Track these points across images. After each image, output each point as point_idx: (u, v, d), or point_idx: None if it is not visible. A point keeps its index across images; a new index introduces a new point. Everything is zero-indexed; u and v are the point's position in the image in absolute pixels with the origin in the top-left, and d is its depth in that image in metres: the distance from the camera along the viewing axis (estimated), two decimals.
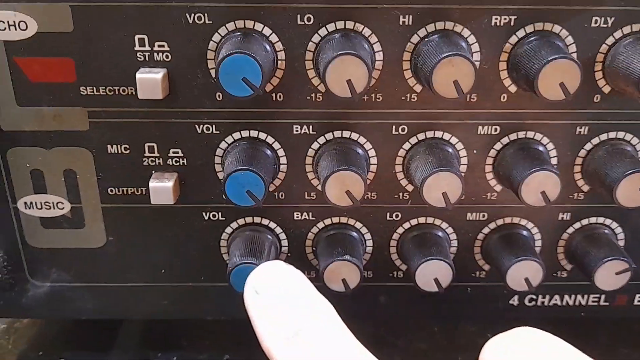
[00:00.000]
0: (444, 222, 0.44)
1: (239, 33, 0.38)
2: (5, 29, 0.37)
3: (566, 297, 0.47)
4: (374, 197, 0.43)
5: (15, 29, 0.37)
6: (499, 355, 0.25)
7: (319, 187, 0.41)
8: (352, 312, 0.42)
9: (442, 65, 0.35)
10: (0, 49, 0.38)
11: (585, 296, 0.47)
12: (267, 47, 0.38)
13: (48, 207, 0.42)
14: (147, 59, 0.38)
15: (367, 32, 0.38)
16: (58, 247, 0.44)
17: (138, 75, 0.38)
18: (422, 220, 0.44)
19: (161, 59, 0.38)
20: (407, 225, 0.44)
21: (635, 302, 0.47)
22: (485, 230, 0.44)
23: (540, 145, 0.41)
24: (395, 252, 0.45)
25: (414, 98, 0.40)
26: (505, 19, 0.38)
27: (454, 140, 0.41)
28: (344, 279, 0.41)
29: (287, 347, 0.26)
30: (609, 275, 0.42)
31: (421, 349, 0.48)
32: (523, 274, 0.42)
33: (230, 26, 0.38)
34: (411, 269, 0.42)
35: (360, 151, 0.41)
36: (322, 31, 0.38)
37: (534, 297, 0.47)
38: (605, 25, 0.38)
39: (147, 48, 0.38)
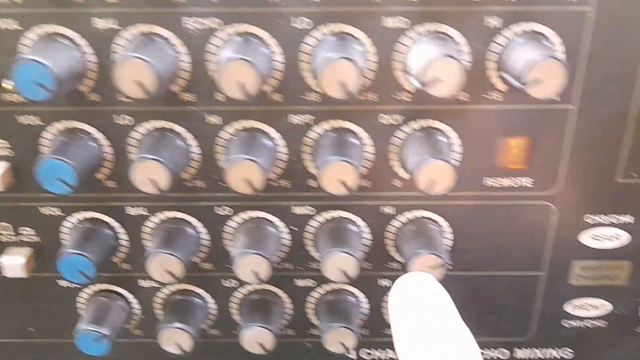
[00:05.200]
0: (274, 287, 0.49)
1: (65, 133, 0.42)
2: None
3: None
4: (209, 267, 0.48)
5: None
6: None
7: None
8: None
9: None
10: None
11: None
12: (92, 144, 0.43)
13: None
14: None
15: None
16: None
17: None
18: (259, 287, 0.49)
19: (4, 154, 0.43)
20: (249, 289, 0.49)
21: None
22: (316, 295, 0.49)
23: None
24: (237, 311, 0.50)
25: None
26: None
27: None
28: (177, 343, 0.46)
29: None
30: None
31: None
32: (338, 338, 0.46)
33: (59, 125, 0.43)
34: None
35: (191, 231, 0.46)
36: None
37: (369, 351, 0.51)
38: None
39: None
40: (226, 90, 0.38)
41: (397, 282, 0.33)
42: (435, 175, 0.40)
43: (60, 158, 0.40)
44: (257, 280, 0.43)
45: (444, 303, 0.32)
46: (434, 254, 0.43)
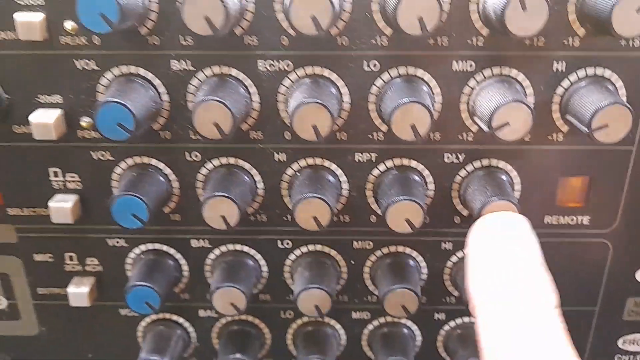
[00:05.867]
0: (330, 318, 0.50)
1: (136, 169, 0.44)
2: None
3: None
4: (266, 299, 0.49)
5: None
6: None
7: None
8: None
9: None
10: None
11: None
12: (162, 179, 0.44)
13: None
14: (61, 187, 0.45)
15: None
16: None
17: (50, 204, 0.44)
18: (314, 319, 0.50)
19: (73, 187, 0.45)
20: (305, 320, 0.50)
21: None
22: (370, 327, 0.50)
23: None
24: (293, 342, 0.50)
25: None
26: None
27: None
28: None
29: (492, 314, 0.27)
30: None
31: None
32: None
33: (130, 161, 0.44)
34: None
35: (253, 264, 0.47)
36: None
37: None
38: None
39: (61, 178, 0.44)
40: (299, 132, 0.39)
41: (484, 217, 0.31)
42: None
43: (135, 195, 0.41)
44: (319, 314, 0.44)
45: (529, 246, 0.30)
46: None
